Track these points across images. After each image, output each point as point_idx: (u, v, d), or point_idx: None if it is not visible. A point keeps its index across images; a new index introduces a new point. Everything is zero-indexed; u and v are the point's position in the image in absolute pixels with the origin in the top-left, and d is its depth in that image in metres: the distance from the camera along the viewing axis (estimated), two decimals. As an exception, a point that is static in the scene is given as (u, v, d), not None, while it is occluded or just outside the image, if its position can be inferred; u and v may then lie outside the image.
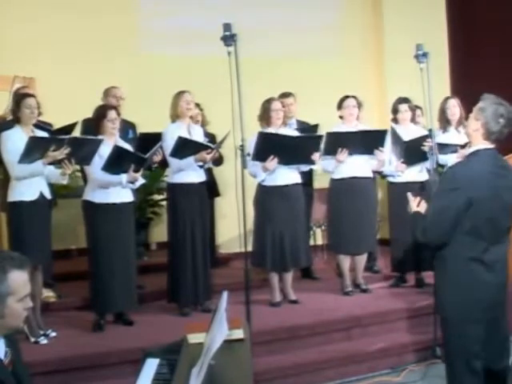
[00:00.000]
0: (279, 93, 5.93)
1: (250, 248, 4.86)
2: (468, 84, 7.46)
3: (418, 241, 3.40)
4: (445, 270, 3.25)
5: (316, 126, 6.14)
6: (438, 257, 3.27)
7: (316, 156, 5.28)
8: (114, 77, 6.35)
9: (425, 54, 4.86)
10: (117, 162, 4.75)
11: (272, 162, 5.22)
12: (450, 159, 5.31)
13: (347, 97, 5.72)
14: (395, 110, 5.87)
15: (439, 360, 4.63)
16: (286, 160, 5.27)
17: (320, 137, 5.44)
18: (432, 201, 3.27)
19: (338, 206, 5.72)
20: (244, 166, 4.30)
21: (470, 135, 3.25)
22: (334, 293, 5.78)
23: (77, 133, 5.38)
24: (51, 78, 6.46)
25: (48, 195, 4.78)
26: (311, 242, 6.60)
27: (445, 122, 5.81)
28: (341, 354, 4.80)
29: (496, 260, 3.20)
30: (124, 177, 4.83)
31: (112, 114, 4.88)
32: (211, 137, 5.89)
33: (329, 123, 5.87)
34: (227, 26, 4.16)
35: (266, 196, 5.35)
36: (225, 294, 2.68)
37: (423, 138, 5.48)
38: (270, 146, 5.18)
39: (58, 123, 5.33)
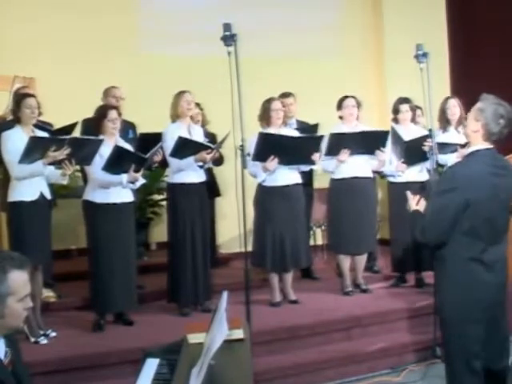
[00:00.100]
0: (279, 93, 5.92)
1: (250, 248, 4.86)
2: (468, 84, 7.45)
3: (417, 240, 3.39)
4: (444, 270, 3.25)
5: (316, 126, 6.15)
6: (437, 257, 3.28)
7: (316, 156, 5.28)
8: (114, 77, 6.34)
9: (425, 54, 4.85)
10: (117, 162, 4.75)
11: (272, 163, 5.22)
12: (449, 159, 5.32)
13: (346, 97, 5.72)
14: (396, 110, 5.87)
15: (439, 360, 4.63)
16: (287, 160, 5.27)
17: (320, 137, 5.44)
18: (431, 200, 3.27)
19: (337, 206, 5.72)
20: (244, 166, 4.30)
21: (469, 136, 3.24)
22: (334, 293, 5.78)
23: (77, 133, 5.38)
24: (51, 78, 6.46)
25: (48, 195, 4.78)
26: (311, 242, 6.60)
27: (445, 121, 5.81)
28: (341, 354, 4.80)
29: (495, 260, 3.20)
30: (124, 177, 4.83)
31: (113, 113, 4.88)
32: (212, 136, 5.89)
33: (329, 123, 5.88)
34: (227, 26, 4.16)
35: (267, 196, 5.36)
36: (225, 294, 2.68)
37: (423, 138, 5.48)
38: (270, 147, 5.18)
39: (57, 123, 5.33)
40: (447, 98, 5.94)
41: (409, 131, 5.73)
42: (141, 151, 4.98)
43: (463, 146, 5.22)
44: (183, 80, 6.07)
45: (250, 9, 7.78)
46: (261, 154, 5.18)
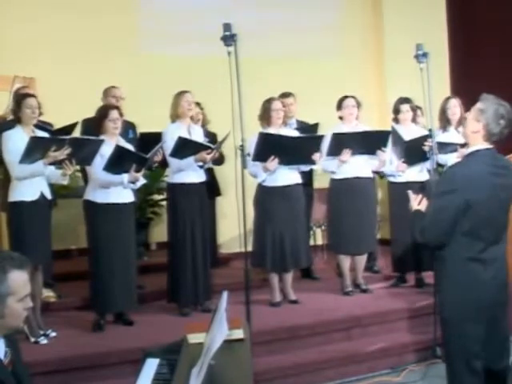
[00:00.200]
0: (279, 93, 5.92)
1: (250, 248, 4.86)
2: (468, 84, 7.45)
3: (417, 240, 3.39)
4: (444, 270, 3.25)
5: (316, 125, 6.15)
6: (437, 257, 3.28)
7: (316, 156, 5.28)
8: (114, 77, 6.34)
9: (425, 54, 4.85)
10: (118, 162, 4.74)
11: (273, 163, 5.22)
12: (450, 159, 5.31)
13: (346, 97, 5.72)
14: (397, 110, 5.87)
15: (439, 360, 4.63)
16: (287, 160, 5.27)
17: (321, 137, 5.44)
18: (431, 201, 3.27)
19: (338, 206, 5.72)
20: (244, 166, 4.29)
21: (468, 136, 3.22)
22: (334, 293, 5.78)
23: (77, 133, 5.38)
24: (51, 77, 6.46)
25: (49, 195, 4.77)
26: (311, 242, 6.60)
27: (445, 121, 5.81)
28: (341, 354, 4.80)
29: (495, 259, 3.20)
30: (125, 177, 4.83)
31: (114, 113, 4.88)
32: (212, 136, 5.90)
33: (329, 123, 5.89)
34: (227, 26, 4.16)
35: (267, 196, 5.36)
36: (225, 294, 2.68)
37: (424, 138, 5.48)
38: (270, 147, 5.18)
39: (58, 123, 5.33)
40: (448, 98, 5.93)
41: (409, 131, 5.73)
42: (141, 151, 4.98)
43: (463, 145, 5.22)
44: (183, 80, 6.08)
45: (250, 9, 7.79)
46: (261, 154, 5.18)
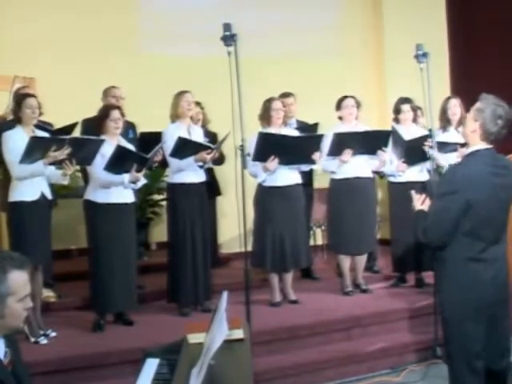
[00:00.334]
0: (279, 93, 5.92)
1: (250, 248, 4.86)
2: (468, 84, 7.45)
3: (419, 240, 3.39)
4: (444, 270, 3.25)
5: (316, 125, 6.15)
6: (437, 258, 3.28)
7: (317, 155, 5.28)
8: (114, 77, 6.34)
9: (425, 54, 4.86)
10: (119, 162, 4.74)
11: (273, 163, 5.22)
12: (450, 159, 5.31)
13: (346, 97, 5.72)
14: (397, 110, 5.87)
15: (440, 360, 4.63)
16: (287, 160, 5.27)
17: (320, 136, 5.44)
18: (433, 201, 3.27)
19: (338, 206, 5.72)
20: (244, 165, 4.29)
21: (468, 136, 3.24)
22: (334, 293, 5.78)
23: (77, 133, 5.38)
24: (51, 78, 6.45)
25: (49, 195, 4.77)
26: (311, 242, 6.60)
27: (445, 121, 5.81)
28: (341, 354, 4.80)
29: (495, 259, 3.20)
30: (126, 177, 4.83)
31: (115, 113, 4.88)
32: (212, 135, 5.90)
33: (328, 123, 5.89)
34: (227, 26, 4.16)
35: (267, 196, 5.35)
36: (225, 294, 2.68)
37: (424, 138, 5.48)
38: (270, 147, 5.18)
39: (58, 123, 5.33)
40: (448, 98, 5.93)
41: (410, 131, 5.73)
42: (141, 151, 4.97)
43: (463, 145, 5.22)
44: (183, 80, 6.08)
45: (250, 9, 7.79)
46: (261, 154, 5.18)
